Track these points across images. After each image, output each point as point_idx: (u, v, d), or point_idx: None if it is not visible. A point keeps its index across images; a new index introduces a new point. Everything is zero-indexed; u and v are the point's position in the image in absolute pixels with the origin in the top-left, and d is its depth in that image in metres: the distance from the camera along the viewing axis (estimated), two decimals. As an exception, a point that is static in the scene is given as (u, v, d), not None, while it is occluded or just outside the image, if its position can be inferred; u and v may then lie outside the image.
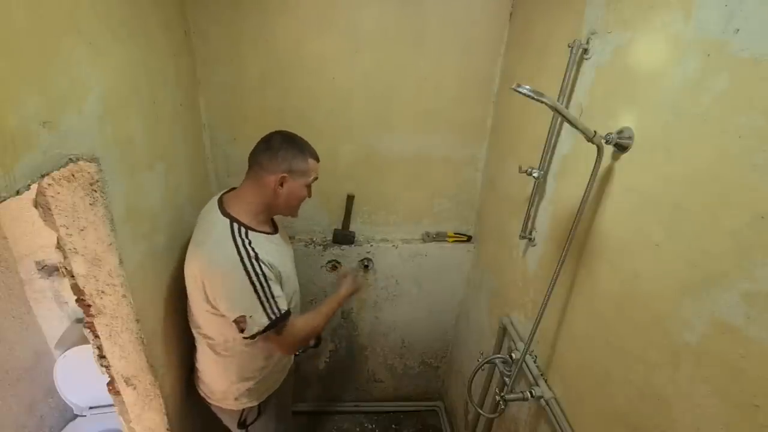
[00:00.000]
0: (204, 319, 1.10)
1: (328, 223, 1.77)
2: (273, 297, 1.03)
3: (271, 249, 1.10)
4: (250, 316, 1.01)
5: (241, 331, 1.03)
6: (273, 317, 1.03)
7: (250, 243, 1.03)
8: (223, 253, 1.01)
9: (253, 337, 1.03)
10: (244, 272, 0.99)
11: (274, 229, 1.21)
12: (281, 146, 1.08)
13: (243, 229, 1.05)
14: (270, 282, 1.02)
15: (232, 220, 1.06)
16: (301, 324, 1.13)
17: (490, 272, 1.64)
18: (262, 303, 1.01)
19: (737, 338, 0.62)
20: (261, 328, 1.02)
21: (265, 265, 1.02)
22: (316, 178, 1.16)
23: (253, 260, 1.01)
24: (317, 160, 1.15)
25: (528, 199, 1.25)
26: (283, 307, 1.05)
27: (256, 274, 1.00)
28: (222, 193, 1.17)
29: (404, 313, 1.99)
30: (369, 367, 2.17)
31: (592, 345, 0.97)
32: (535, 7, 1.27)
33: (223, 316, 1.04)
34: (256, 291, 1.00)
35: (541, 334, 1.19)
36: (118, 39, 0.91)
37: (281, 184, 1.08)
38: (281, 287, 1.08)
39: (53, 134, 0.69)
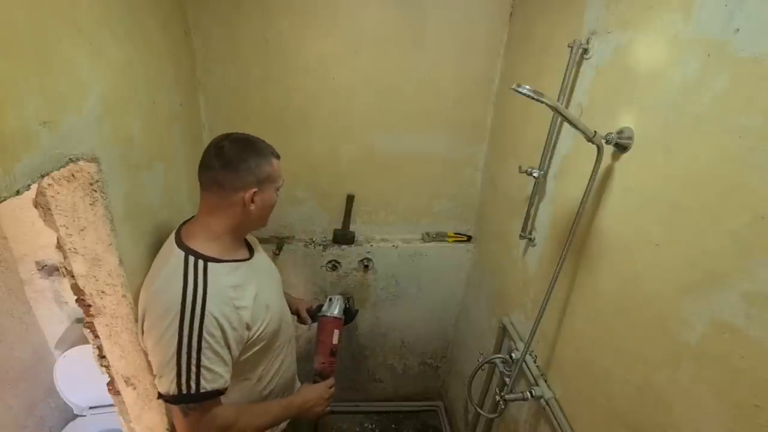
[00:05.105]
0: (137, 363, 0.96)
1: (328, 223, 1.77)
2: (198, 366, 0.82)
3: (237, 279, 0.93)
4: (160, 376, 0.84)
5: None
6: (183, 391, 0.82)
7: (205, 282, 0.86)
8: (167, 290, 0.85)
9: (160, 398, 0.86)
10: (178, 321, 0.81)
11: (249, 252, 1.05)
12: (240, 156, 0.90)
13: (201, 263, 0.88)
14: (204, 347, 0.82)
15: (189, 252, 0.89)
16: (230, 416, 0.89)
17: (490, 272, 1.64)
18: (179, 367, 0.81)
19: (737, 338, 0.62)
20: (166, 396, 0.83)
21: (213, 317, 0.84)
22: (283, 180, 1.01)
23: (197, 309, 0.82)
24: (279, 157, 0.99)
25: (528, 199, 1.25)
26: (207, 385, 0.83)
27: (191, 330, 0.81)
28: (180, 225, 1.00)
29: (404, 313, 1.99)
30: (369, 367, 2.17)
31: (592, 345, 0.97)
32: (535, 8, 1.27)
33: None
34: (179, 351, 0.81)
35: (541, 334, 1.19)
36: (118, 39, 0.91)
37: (252, 200, 0.92)
38: (231, 351, 0.88)
39: (53, 134, 0.69)
